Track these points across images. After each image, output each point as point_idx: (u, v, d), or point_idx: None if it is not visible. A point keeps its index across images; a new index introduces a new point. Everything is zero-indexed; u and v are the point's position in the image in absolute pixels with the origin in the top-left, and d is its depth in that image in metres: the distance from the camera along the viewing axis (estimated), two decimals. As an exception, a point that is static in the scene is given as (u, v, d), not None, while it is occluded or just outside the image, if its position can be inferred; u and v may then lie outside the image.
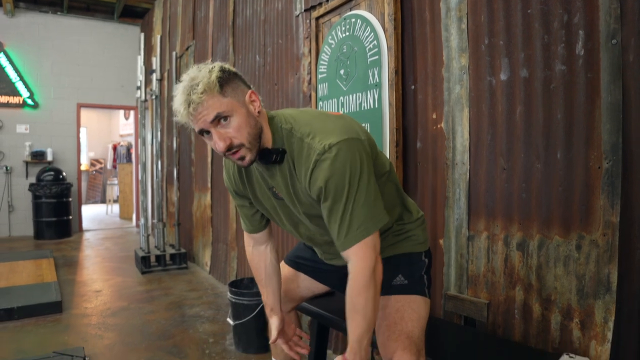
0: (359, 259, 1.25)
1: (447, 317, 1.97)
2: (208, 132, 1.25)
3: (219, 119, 1.21)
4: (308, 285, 1.77)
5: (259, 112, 1.29)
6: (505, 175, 1.75)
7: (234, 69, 1.29)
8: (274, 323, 1.60)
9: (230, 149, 1.24)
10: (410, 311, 1.40)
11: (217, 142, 1.23)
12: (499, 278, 1.78)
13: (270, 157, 1.30)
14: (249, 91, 1.29)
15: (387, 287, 1.44)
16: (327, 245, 1.52)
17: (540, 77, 1.62)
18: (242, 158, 1.27)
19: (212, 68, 1.23)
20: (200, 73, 1.22)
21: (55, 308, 3.52)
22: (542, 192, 1.63)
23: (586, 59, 1.49)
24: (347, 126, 1.30)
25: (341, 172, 1.22)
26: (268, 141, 1.32)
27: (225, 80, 1.23)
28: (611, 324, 1.44)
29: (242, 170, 1.48)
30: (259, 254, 1.65)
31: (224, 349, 2.82)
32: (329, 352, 2.65)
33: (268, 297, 1.65)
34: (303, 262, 1.76)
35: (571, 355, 1.42)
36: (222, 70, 1.24)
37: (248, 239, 1.67)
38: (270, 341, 1.59)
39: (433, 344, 1.41)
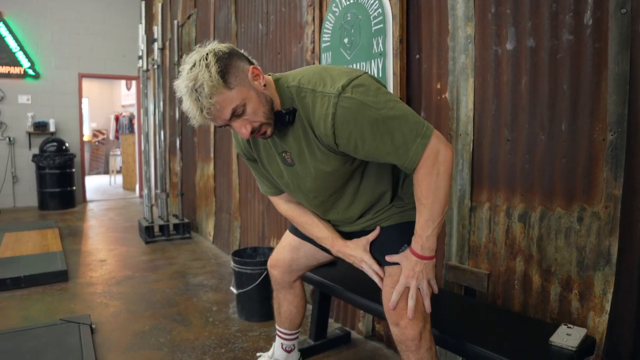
0: (424, 164, 1.26)
1: (448, 287, 1.99)
2: (228, 125, 1.28)
3: (235, 112, 1.23)
4: (313, 254, 1.78)
5: (265, 84, 1.29)
6: (509, 146, 1.74)
7: (226, 49, 1.26)
8: (357, 249, 1.54)
9: (253, 131, 1.28)
10: None
11: (240, 131, 1.27)
12: (500, 249, 1.79)
13: (283, 119, 1.32)
14: (250, 68, 1.27)
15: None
16: (332, 209, 1.54)
17: (547, 47, 1.59)
18: (265, 133, 1.31)
19: (207, 61, 1.19)
20: (200, 71, 1.18)
21: (61, 277, 3.57)
22: (545, 164, 1.62)
23: (594, 28, 1.46)
24: (352, 68, 1.32)
25: (367, 105, 1.22)
26: (278, 105, 1.33)
27: (226, 70, 1.21)
28: (610, 296, 1.45)
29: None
30: (295, 205, 1.65)
31: (227, 317, 2.87)
32: (331, 320, 2.69)
33: (328, 228, 1.61)
34: None
35: (569, 325, 1.44)
36: (218, 59, 1.21)
37: (276, 200, 1.68)
38: (377, 271, 1.51)
39: (433, 313, 1.43)
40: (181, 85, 1.22)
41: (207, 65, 1.19)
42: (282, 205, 1.68)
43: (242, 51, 1.31)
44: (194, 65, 1.21)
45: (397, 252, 1.46)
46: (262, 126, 1.29)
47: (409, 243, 1.45)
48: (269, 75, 1.38)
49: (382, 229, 1.52)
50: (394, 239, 1.49)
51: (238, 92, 1.22)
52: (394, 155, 1.26)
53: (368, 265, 1.51)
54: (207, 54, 1.22)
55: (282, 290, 1.90)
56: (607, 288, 1.46)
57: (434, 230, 1.34)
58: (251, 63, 1.30)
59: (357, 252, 1.53)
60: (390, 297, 1.41)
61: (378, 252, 1.52)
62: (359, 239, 1.55)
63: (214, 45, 1.25)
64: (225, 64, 1.21)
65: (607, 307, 1.46)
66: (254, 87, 1.26)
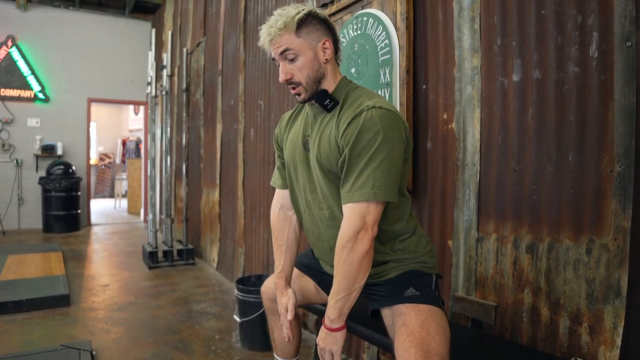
0: (348, 218, 1.33)
1: (455, 319, 1.96)
2: (279, 65, 1.43)
3: (285, 55, 1.39)
4: (305, 292, 1.78)
5: (327, 59, 1.43)
6: (516, 177, 1.74)
7: (322, 16, 1.44)
8: (291, 296, 1.62)
9: (289, 83, 1.43)
10: (436, 326, 1.34)
11: (280, 74, 1.42)
12: (507, 280, 1.77)
13: (325, 99, 1.44)
14: (324, 39, 1.42)
15: (399, 298, 1.43)
16: (330, 230, 1.52)
17: (553, 79, 1.60)
18: (299, 94, 1.45)
19: (301, 9, 1.40)
20: (290, 11, 1.40)
21: (63, 301, 3.55)
22: (552, 195, 1.61)
23: (600, 61, 1.47)
24: (399, 112, 1.42)
25: (379, 130, 1.30)
26: (330, 88, 1.46)
27: (304, 22, 1.39)
28: (620, 330, 1.42)
29: (293, 116, 1.64)
30: (285, 217, 1.72)
31: (229, 345, 2.83)
32: (335, 350, 2.65)
33: (285, 265, 1.68)
34: (313, 267, 1.77)
35: (579, 360, 1.41)
36: (309, 14, 1.40)
37: (277, 199, 1.74)
38: (289, 317, 1.59)
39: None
40: (275, 12, 1.42)
41: (297, 12, 1.39)
42: (276, 208, 1.74)
43: (335, 29, 1.47)
44: (291, 8, 1.41)
45: (402, 294, 1.43)
46: (299, 86, 1.42)
47: (414, 287, 1.43)
48: (344, 76, 1.51)
49: (382, 281, 1.50)
50: (397, 285, 1.46)
51: (300, 43, 1.39)
52: (349, 178, 1.33)
53: (284, 317, 1.60)
54: (305, 8, 1.42)
55: (272, 317, 1.88)
56: (618, 322, 1.43)
57: (336, 302, 1.35)
58: (336, 40, 1.47)
59: (282, 301, 1.62)
60: (407, 347, 1.29)
61: (382, 297, 1.48)
62: (293, 293, 1.62)
63: (317, 8, 1.46)
64: (309, 21, 1.40)
65: (618, 341, 1.43)
66: (316, 52, 1.41)
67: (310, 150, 1.48)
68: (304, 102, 1.47)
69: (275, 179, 1.74)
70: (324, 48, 1.42)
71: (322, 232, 1.55)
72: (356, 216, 1.30)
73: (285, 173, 1.66)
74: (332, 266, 1.57)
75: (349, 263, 1.31)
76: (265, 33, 1.41)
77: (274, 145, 1.73)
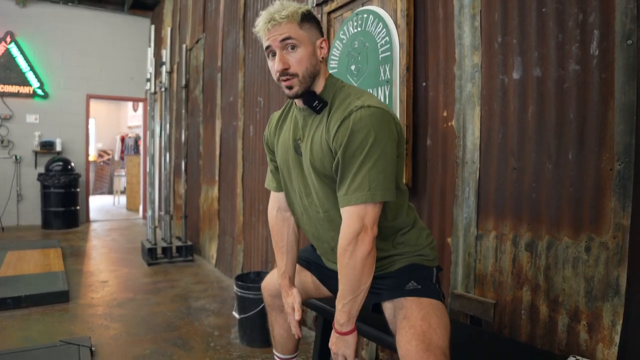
0: (347, 221, 1.31)
1: (454, 316, 1.96)
2: (274, 55, 1.39)
3: (287, 43, 1.36)
4: (304, 287, 1.78)
5: (323, 57, 1.43)
6: (516, 174, 1.74)
7: (318, 18, 1.47)
8: (296, 296, 1.64)
9: (285, 73, 1.38)
10: (437, 319, 1.35)
11: (277, 62, 1.37)
12: (506, 278, 1.77)
13: (313, 100, 1.42)
14: (322, 38, 1.44)
15: (401, 291, 1.43)
16: (329, 232, 1.51)
17: (553, 77, 1.60)
18: (291, 87, 1.39)
19: (303, 5, 1.42)
20: (291, 4, 1.40)
21: (62, 297, 3.55)
22: (552, 193, 1.62)
23: (601, 59, 1.47)
24: (389, 108, 1.40)
25: (369, 130, 1.28)
26: (318, 89, 1.43)
27: (308, 18, 1.40)
28: (619, 328, 1.43)
29: (282, 118, 1.60)
30: (283, 219, 1.71)
31: (228, 342, 2.83)
32: (334, 347, 2.65)
33: (287, 265, 1.68)
34: (312, 262, 1.77)
35: (578, 357, 1.41)
36: (309, 11, 1.42)
37: (273, 201, 1.73)
38: (297, 317, 1.61)
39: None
40: (270, 6, 1.40)
41: (300, 7, 1.40)
42: (273, 210, 1.73)
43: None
44: (291, 3, 1.41)
45: (403, 288, 1.43)
46: (294, 78, 1.38)
47: (416, 280, 1.43)
48: (329, 74, 1.49)
49: (383, 274, 1.50)
50: (398, 278, 1.46)
51: (302, 35, 1.37)
52: (344, 182, 1.32)
53: (291, 317, 1.63)
54: (305, 5, 1.43)
55: (272, 313, 1.89)
56: (616, 319, 1.44)
57: (344, 306, 1.35)
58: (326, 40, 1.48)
59: (288, 300, 1.64)
60: (409, 340, 1.28)
61: (384, 290, 1.48)
62: (298, 292, 1.64)
63: (317, 5, 1.48)
64: (310, 18, 1.41)
65: (617, 339, 1.43)
66: (314, 48, 1.41)
67: (303, 154, 1.46)
68: (295, 96, 1.41)
69: (269, 181, 1.73)
70: (321, 46, 1.42)
71: (321, 234, 1.55)
72: (355, 219, 1.29)
73: (279, 176, 1.64)
74: (334, 262, 1.57)
75: (352, 266, 1.30)
76: (266, 19, 1.37)
77: (265, 148, 1.70)
